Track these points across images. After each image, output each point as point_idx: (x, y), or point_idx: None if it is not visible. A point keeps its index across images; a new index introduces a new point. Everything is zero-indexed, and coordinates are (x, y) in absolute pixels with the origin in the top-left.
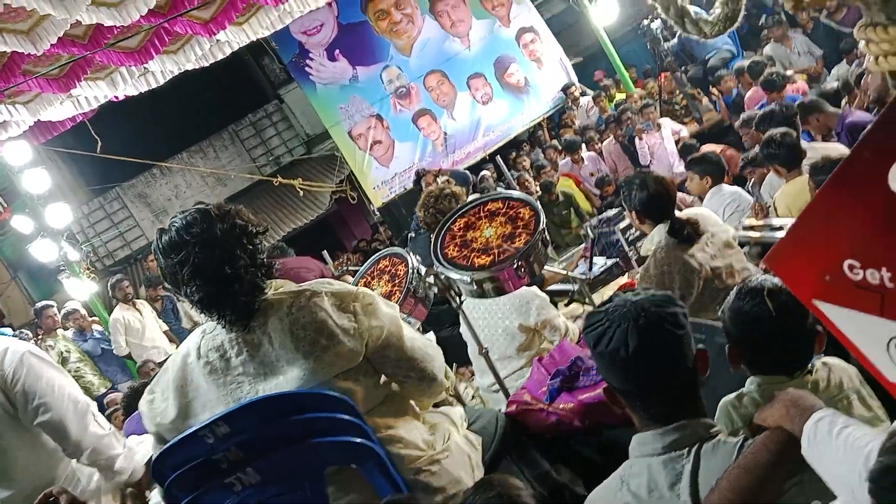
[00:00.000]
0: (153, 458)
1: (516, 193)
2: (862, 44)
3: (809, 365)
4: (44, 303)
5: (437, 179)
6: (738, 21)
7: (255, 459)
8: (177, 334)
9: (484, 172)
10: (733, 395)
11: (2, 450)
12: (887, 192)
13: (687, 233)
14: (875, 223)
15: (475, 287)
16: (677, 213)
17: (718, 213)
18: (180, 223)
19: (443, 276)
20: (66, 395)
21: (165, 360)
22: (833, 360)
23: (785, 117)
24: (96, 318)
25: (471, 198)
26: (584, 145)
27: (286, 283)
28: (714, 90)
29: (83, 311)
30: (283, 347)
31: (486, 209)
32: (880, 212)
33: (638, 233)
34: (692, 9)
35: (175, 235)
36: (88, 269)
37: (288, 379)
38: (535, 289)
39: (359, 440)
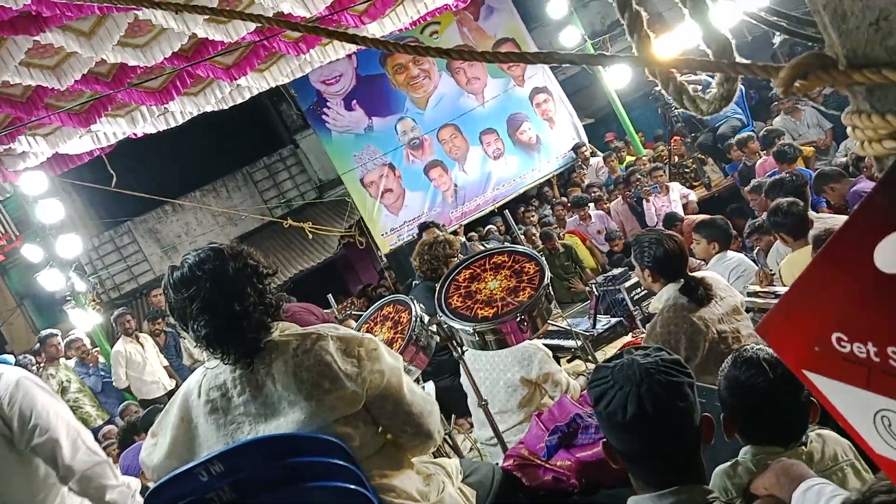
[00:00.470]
0: (146, 494)
1: (522, 248)
2: (849, 129)
3: (804, 436)
4: (48, 331)
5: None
6: (737, 93)
7: (247, 500)
8: (177, 370)
9: (490, 226)
10: (728, 464)
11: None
12: (873, 269)
13: (700, 293)
14: (861, 298)
15: (477, 338)
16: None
17: (724, 276)
18: (193, 260)
19: (445, 326)
20: (61, 418)
21: (151, 403)
22: (827, 433)
23: (795, 186)
24: (98, 349)
25: (477, 250)
26: (591, 203)
27: (292, 326)
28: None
29: (86, 341)
30: (286, 388)
31: (491, 262)
32: (866, 288)
33: (644, 292)
34: (690, 87)
35: (188, 271)
36: (94, 300)
37: (289, 421)
38: (538, 342)
39: (353, 486)
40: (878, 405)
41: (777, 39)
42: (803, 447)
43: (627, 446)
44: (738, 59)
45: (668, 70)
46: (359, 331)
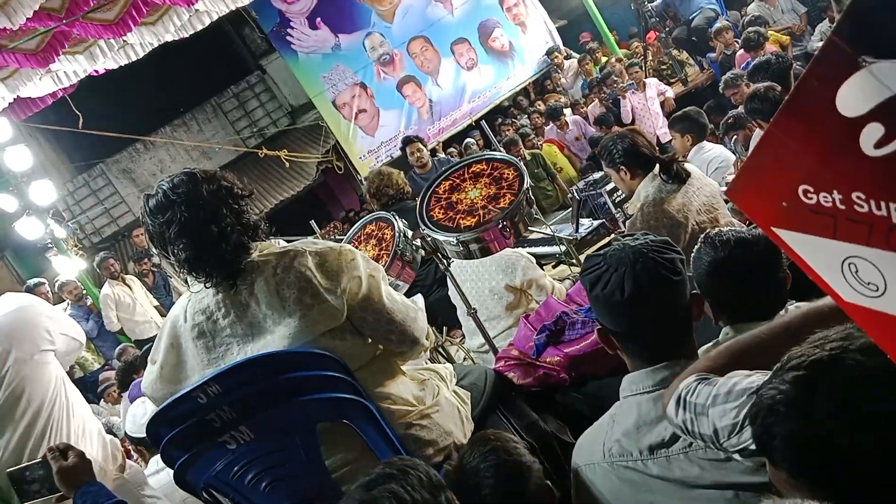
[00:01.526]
0: (148, 421)
1: (499, 154)
2: None
3: (783, 309)
4: (35, 280)
5: (423, 151)
6: None
7: (247, 418)
8: (168, 309)
9: (468, 140)
10: (709, 344)
11: None
12: (836, 115)
13: (676, 169)
14: (825, 147)
15: (461, 248)
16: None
17: (702, 170)
18: (167, 185)
19: (429, 239)
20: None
21: (145, 342)
22: (805, 305)
23: (780, 68)
24: (87, 294)
25: (455, 160)
26: (570, 109)
27: (271, 245)
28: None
29: (77, 283)
30: (269, 307)
31: (470, 171)
32: (830, 135)
33: (624, 195)
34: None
35: (162, 197)
36: (76, 246)
37: (276, 338)
38: (520, 250)
39: (349, 396)
40: (845, 253)
41: None
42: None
43: (624, 326)
44: None
45: None
46: None
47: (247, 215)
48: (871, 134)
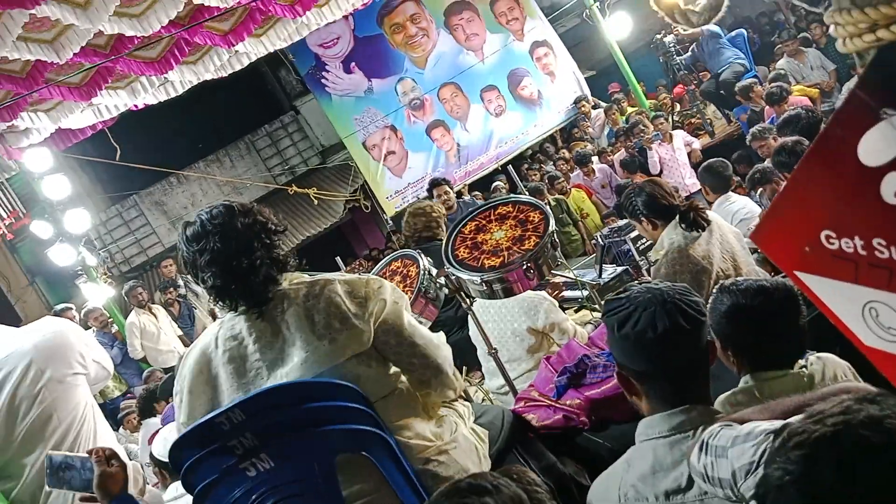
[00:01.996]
0: (171, 446)
1: (525, 197)
2: (832, 28)
3: (804, 359)
4: (62, 306)
5: (450, 193)
6: (740, 37)
7: (269, 446)
8: (191, 339)
9: (497, 183)
10: (729, 392)
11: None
12: (857, 164)
13: (693, 217)
14: (848, 194)
15: (485, 288)
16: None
17: (727, 221)
18: (206, 216)
19: (453, 277)
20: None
21: (167, 371)
22: (827, 355)
23: (810, 123)
24: (113, 322)
25: (481, 202)
26: (597, 157)
27: (301, 276)
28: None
29: (103, 311)
30: (299, 331)
31: (496, 212)
32: (852, 183)
33: (648, 242)
34: (681, 2)
35: (199, 227)
36: (105, 274)
37: (304, 360)
38: (543, 293)
39: (369, 428)
40: (866, 297)
41: None
42: (804, 369)
43: (650, 365)
44: None
45: None
46: None
47: (278, 250)
48: (892, 182)
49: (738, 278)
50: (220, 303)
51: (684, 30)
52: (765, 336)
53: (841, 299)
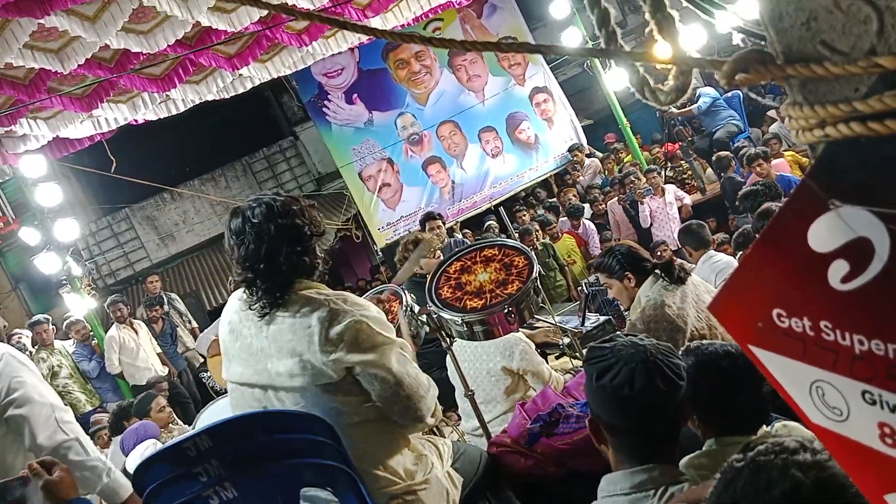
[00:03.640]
0: (135, 469)
1: (511, 242)
2: (786, 120)
3: (770, 427)
4: (37, 317)
5: (441, 228)
6: (736, 98)
7: (234, 475)
8: (171, 358)
9: (490, 223)
10: (693, 454)
11: None
12: (807, 249)
13: (675, 270)
14: (797, 277)
15: (466, 329)
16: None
17: (709, 279)
18: (248, 210)
19: (435, 316)
20: (37, 393)
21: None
22: (793, 423)
23: (769, 197)
24: (93, 333)
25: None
26: (588, 205)
27: (315, 287)
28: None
29: (85, 324)
30: (273, 341)
31: (482, 254)
32: (801, 267)
33: None
34: (651, 80)
35: (240, 221)
36: (89, 285)
37: (272, 372)
38: (520, 335)
39: (334, 463)
40: (813, 376)
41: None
42: (770, 437)
43: (622, 420)
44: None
45: (631, 64)
46: None
47: (307, 256)
48: (837, 269)
49: (704, 342)
50: (246, 292)
51: (677, 108)
52: (728, 400)
53: (790, 376)
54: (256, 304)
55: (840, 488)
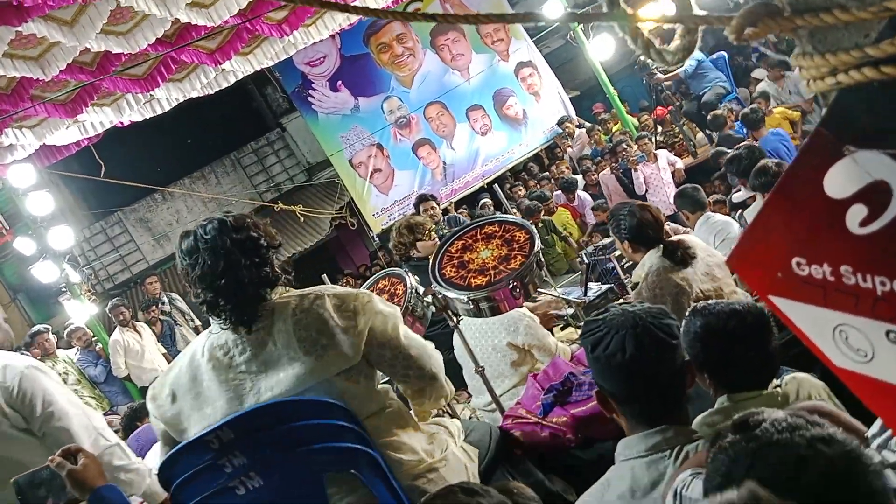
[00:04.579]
0: (160, 464)
1: (511, 217)
2: (797, 70)
3: (780, 379)
4: (38, 327)
5: (436, 209)
6: (721, 60)
7: (257, 464)
8: (174, 357)
9: (485, 200)
10: (705, 412)
11: (14, 462)
12: (824, 196)
13: (681, 255)
14: (815, 224)
15: (472, 306)
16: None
17: (708, 240)
18: (200, 230)
19: (440, 296)
20: (72, 404)
21: None
22: (802, 375)
23: (752, 161)
24: (97, 339)
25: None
26: (581, 176)
27: (291, 290)
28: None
29: (87, 330)
30: (286, 347)
31: (482, 232)
32: (819, 214)
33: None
34: (656, 41)
35: (192, 241)
36: (89, 291)
37: (289, 376)
38: (524, 309)
39: (356, 446)
40: (835, 321)
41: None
42: (778, 388)
43: (622, 388)
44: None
45: (635, 26)
46: None
47: (268, 268)
48: (855, 214)
49: (710, 301)
50: (211, 316)
51: (663, 72)
52: (737, 358)
53: (812, 322)
54: (234, 325)
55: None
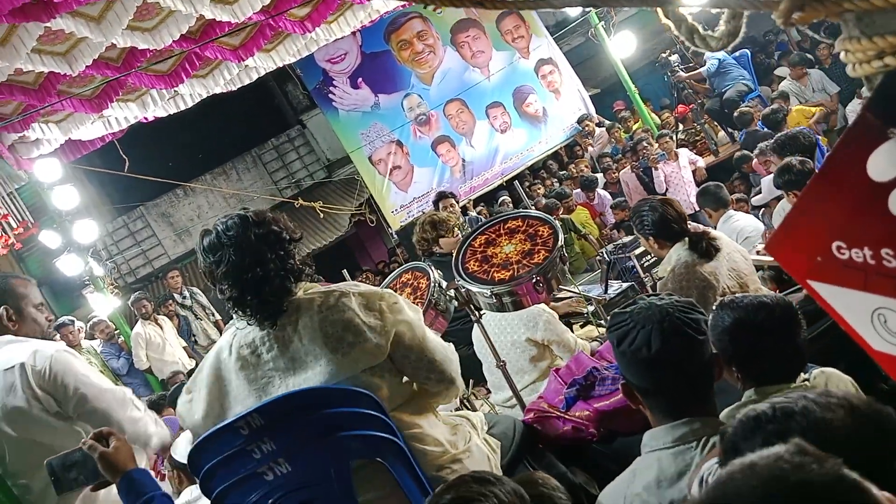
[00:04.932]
0: (191, 450)
1: (535, 212)
2: (842, 55)
3: (807, 373)
4: (62, 319)
5: (455, 207)
6: (745, 58)
7: (286, 451)
8: (192, 351)
9: (504, 198)
10: (733, 405)
11: (44, 447)
12: (867, 179)
13: (705, 246)
14: (857, 208)
15: (495, 301)
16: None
17: (732, 237)
18: (221, 227)
19: (463, 290)
20: (102, 384)
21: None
22: (830, 370)
23: (806, 145)
24: (119, 332)
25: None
26: (601, 175)
27: (316, 285)
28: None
29: (109, 323)
30: (312, 343)
31: (506, 227)
32: (861, 197)
33: (653, 259)
34: (700, 27)
35: (214, 238)
36: (112, 285)
37: (316, 373)
38: (544, 305)
39: (383, 434)
40: (874, 304)
41: None
42: (806, 382)
43: (648, 381)
44: None
45: (678, 11)
46: None
47: (292, 260)
48: None
49: (738, 294)
50: (237, 313)
51: (686, 70)
52: (765, 350)
53: (851, 306)
54: (260, 320)
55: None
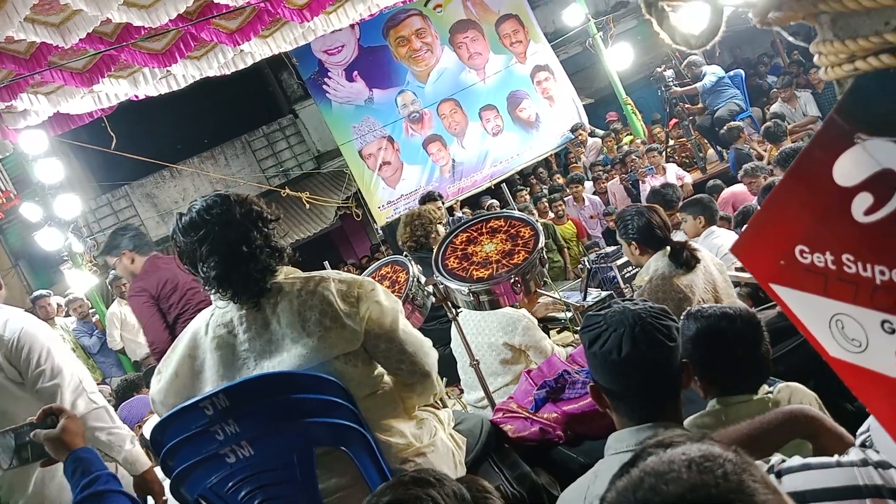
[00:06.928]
0: (153, 428)
1: (517, 213)
2: (815, 57)
3: (772, 386)
4: (39, 292)
5: (442, 208)
6: (738, 77)
7: (250, 433)
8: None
9: (492, 202)
10: (696, 414)
11: (7, 416)
12: (832, 184)
13: (686, 257)
14: (822, 212)
15: (472, 298)
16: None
17: (711, 253)
18: (201, 205)
19: (441, 286)
20: (66, 364)
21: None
22: (795, 385)
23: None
24: (94, 310)
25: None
26: (591, 183)
27: (296, 270)
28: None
29: (85, 301)
30: (289, 326)
31: (488, 226)
32: (826, 201)
33: (634, 270)
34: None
35: (196, 215)
36: (91, 262)
37: (291, 356)
38: (524, 311)
39: (349, 423)
40: (833, 310)
41: None
42: (770, 395)
43: (617, 384)
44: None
45: (660, 7)
46: None
47: (274, 239)
48: (861, 202)
49: (703, 305)
50: (219, 292)
51: (679, 86)
52: (727, 361)
53: (810, 311)
54: (243, 299)
55: None
